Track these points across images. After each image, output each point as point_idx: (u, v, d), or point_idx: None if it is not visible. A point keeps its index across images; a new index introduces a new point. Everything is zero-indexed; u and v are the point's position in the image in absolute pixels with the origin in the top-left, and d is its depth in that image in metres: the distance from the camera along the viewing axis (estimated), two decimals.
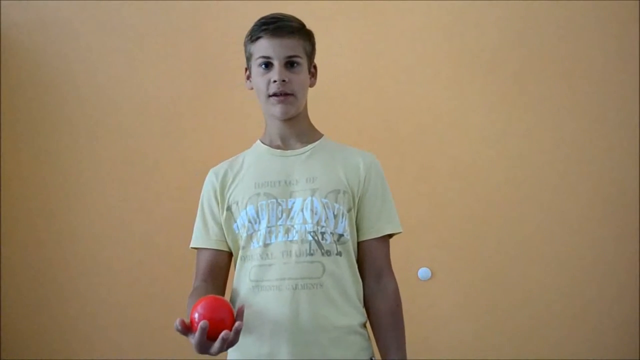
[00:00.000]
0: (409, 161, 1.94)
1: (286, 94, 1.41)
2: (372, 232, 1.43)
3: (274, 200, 1.40)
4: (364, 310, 1.44)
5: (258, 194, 1.41)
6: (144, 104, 2.07)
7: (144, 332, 2.05)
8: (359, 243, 1.45)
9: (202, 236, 1.46)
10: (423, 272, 1.97)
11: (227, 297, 1.46)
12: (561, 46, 2.02)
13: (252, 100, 1.92)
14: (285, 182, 1.42)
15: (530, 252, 2.01)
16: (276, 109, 1.42)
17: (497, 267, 2.01)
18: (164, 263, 2.05)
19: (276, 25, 1.42)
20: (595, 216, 2.01)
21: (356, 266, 1.42)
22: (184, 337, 2.05)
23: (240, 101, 2.04)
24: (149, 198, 2.06)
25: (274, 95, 1.41)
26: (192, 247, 1.48)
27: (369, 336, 1.44)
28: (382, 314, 1.42)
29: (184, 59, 2.06)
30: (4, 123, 2.08)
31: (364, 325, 1.43)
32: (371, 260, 1.43)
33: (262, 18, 1.45)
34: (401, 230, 1.47)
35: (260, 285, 1.37)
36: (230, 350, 1.33)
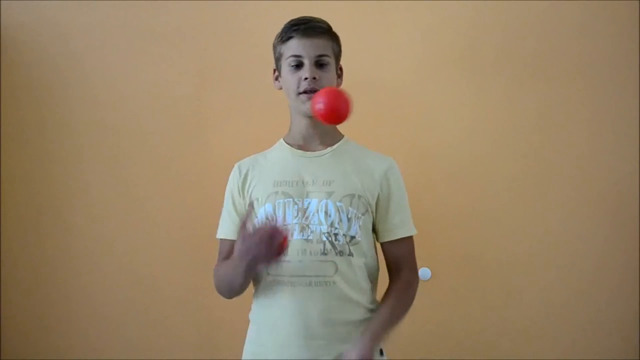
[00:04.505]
0: (409, 160, 1.94)
1: (316, 92, 1.46)
2: (387, 236, 1.52)
3: (291, 200, 1.47)
4: (374, 308, 1.51)
5: (276, 193, 1.48)
6: (146, 102, 2.07)
7: (147, 331, 2.06)
8: (380, 244, 1.55)
9: (224, 228, 1.56)
10: (423, 272, 1.97)
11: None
12: (563, 46, 2.01)
13: (250, 99, 1.91)
14: (302, 182, 1.49)
15: (530, 252, 2.01)
16: (306, 106, 1.49)
17: (497, 266, 2.02)
18: (168, 262, 2.05)
19: (307, 26, 1.49)
20: (596, 216, 2.00)
21: (369, 266, 1.50)
22: (188, 335, 2.08)
23: (240, 100, 2.05)
24: (151, 196, 2.06)
25: (304, 92, 1.47)
26: (217, 238, 1.57)
27: None
28: (389, 292, 1.50)
29: (187, 58, 2.06)
30: (4, 122, 2.08)
31: None
32: (392, 259, 1.53)
33: (293, 20, 1.53)
34: (414, 233, 1.54)
35: (276, 279, 1.45)
36: (246, 342, 1.50)
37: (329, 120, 1.41)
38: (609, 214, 2.00)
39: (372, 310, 1.49)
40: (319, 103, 1.39)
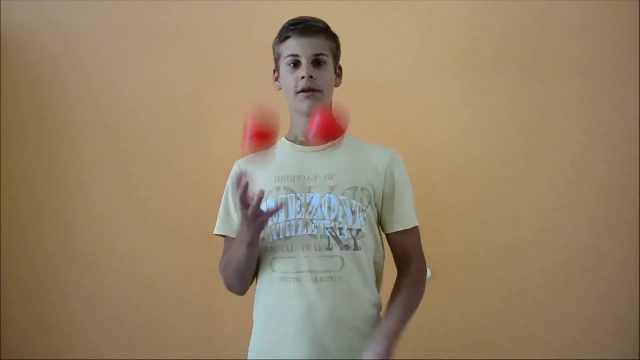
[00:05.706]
0: (409, 160, 1.94)
1: (313, 90, 1.48)
2: (393, 227, 1.52)
3: (293, 195, 1.47)
4: (380, 303, 1.51)
5: (278, 188, 1.48)
6: (146, 102, 2.07)
7: (147, 331, 2.06)
8: (386, 235, 1.54)
9: (226, 226, 1.55)
10: None
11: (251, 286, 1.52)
12: (563, 46, 2.01)
13: (250, 99, 1.91)
14: (304, 177, 1.49)
15: (530, 252, 2.01)
16: (304, 104, 1.50)
17: (497, 267, 2.01)
18: (168, 262, 2.05)
19: (304, 26, 1.51)
20: (596, 216, 2.00)
21: (376, 260, 1.50)
22: (190, 336, 2.07)
23: (240, 100, 2.05)
24: (151, 196, 2.06)
25: (302, 91, 1.48)
26: (215, 234, 1.56)
27: None
28: (400, 286, 1.49)
29: (187, 57, 2.07)
30: (4, 122, 2.08)
31: (379, 317, 1.50)
32: (400, 250, 1.53)
33: (290, 20, 1.54)
34: (416, 225, 1.53)
35: (282, 276, 1.45)
36: (251, 342, 1.48)
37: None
38: (608, 214, 2.00)
39: (378, 306, 1.49)
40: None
